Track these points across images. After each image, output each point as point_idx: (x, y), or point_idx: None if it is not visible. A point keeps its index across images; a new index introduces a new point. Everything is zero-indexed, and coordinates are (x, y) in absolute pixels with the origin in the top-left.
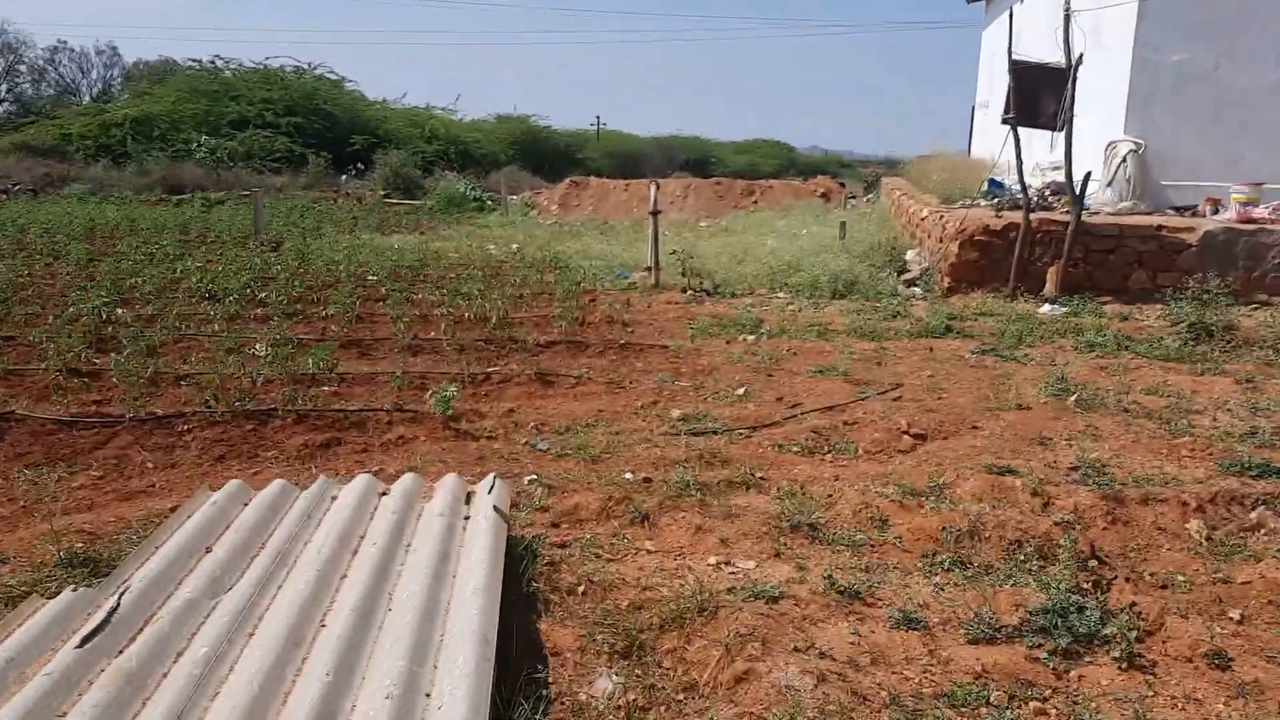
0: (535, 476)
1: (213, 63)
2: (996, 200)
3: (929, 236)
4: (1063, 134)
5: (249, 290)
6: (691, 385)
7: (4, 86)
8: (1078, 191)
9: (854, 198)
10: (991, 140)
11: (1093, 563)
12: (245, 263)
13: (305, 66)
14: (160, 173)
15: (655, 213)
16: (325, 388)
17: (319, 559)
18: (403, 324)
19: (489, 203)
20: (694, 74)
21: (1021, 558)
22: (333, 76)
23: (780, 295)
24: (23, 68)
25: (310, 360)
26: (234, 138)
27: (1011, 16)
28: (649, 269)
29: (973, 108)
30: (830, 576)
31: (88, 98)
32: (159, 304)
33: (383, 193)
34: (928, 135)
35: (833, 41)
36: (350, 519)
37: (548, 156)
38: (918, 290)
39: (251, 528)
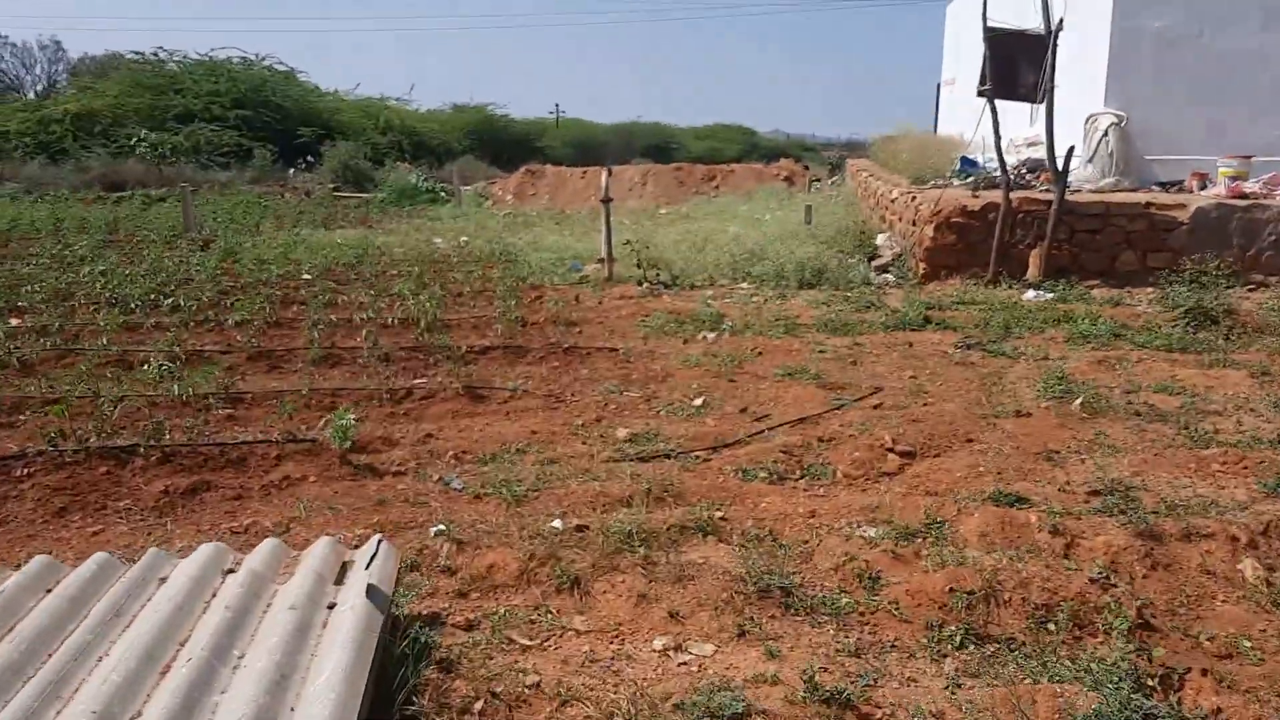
0: (443, 527)
1: (155, 55)
2: (970, 179)
3: (900, 219)
4: (1043, 107)
5: (155, 295)
6: (642, 396)
7: None
8: (1060, 168)
9: (818, 181)
10: (959, 118)
11: (1158, 651)
12: (161, 264)
13: (253, 58)
14: (100, 170)
15: (607, 200)
16: (216, 412)
17: (106, 688)
18: (319, 331)
19: (442, 194)
20: (652, 59)
21: (1053, 628)
22: (282, 68)
23: (743, 286)
24: None
25: (177, 386)
26: (179, 132)
27: None
28: (602, 260)
29: (938, 85)
30: (811, 677)
31: (31, 94)
32: (56, 313)
33: (331, 186)
34: (892, 116)
35: (792, 21)
36: (171, 617)
37: (506, 146)
38: (890, 277)
39: (37, 633)
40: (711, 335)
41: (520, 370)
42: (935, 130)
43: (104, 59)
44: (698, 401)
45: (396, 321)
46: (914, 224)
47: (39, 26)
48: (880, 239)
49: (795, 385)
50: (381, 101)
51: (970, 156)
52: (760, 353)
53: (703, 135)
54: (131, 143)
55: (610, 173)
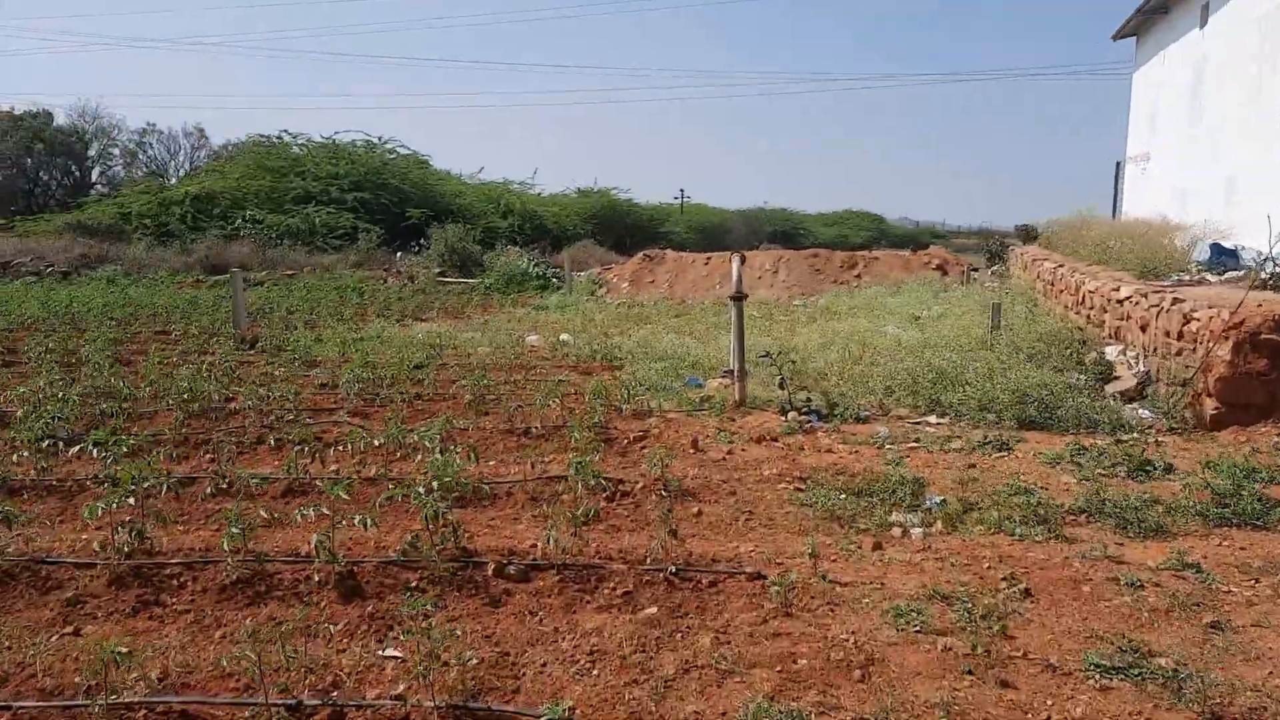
0: None
1: (279, 138)
2: (1226, 273)
3: (1142, 328)
4: None
5: (88, 426)
6: None
7: (97, 169)
8: None
9: (976, 270)
10: (1152, 199)
11: None
12: (116, 379)
13: (376, 141)
14: (203, 252)
15: (739, 297)
16: None
17: None
18: (239, 533)
19: (553, 280)
20: (777, 144)
21: None
22: (404, 150)
23: (932, 421)
24: (115, 150)
25: None
26: (295, 214)
27: None
28: (729, 373)
29: (1118, 164)
30: None
31: (174, 179)
32: None
33: (437, 271)
34: (1026, 203)
35: (918, 103)
36: None
37: (629, 230)
38: (1148, 414)
39: None
40: (917, 529)
41: (584, 629)
42: (1114, 214)
43: (244, 144)
44: None
45: (397, 499)
46: (1177, 337)
47: (187, 115)
48: (1112, 353)
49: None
50: (504, 185)
51: (1225, 244)
52: (1027, 589)
53: (830, 221)
54: (235, 224)
55: (743, 260)
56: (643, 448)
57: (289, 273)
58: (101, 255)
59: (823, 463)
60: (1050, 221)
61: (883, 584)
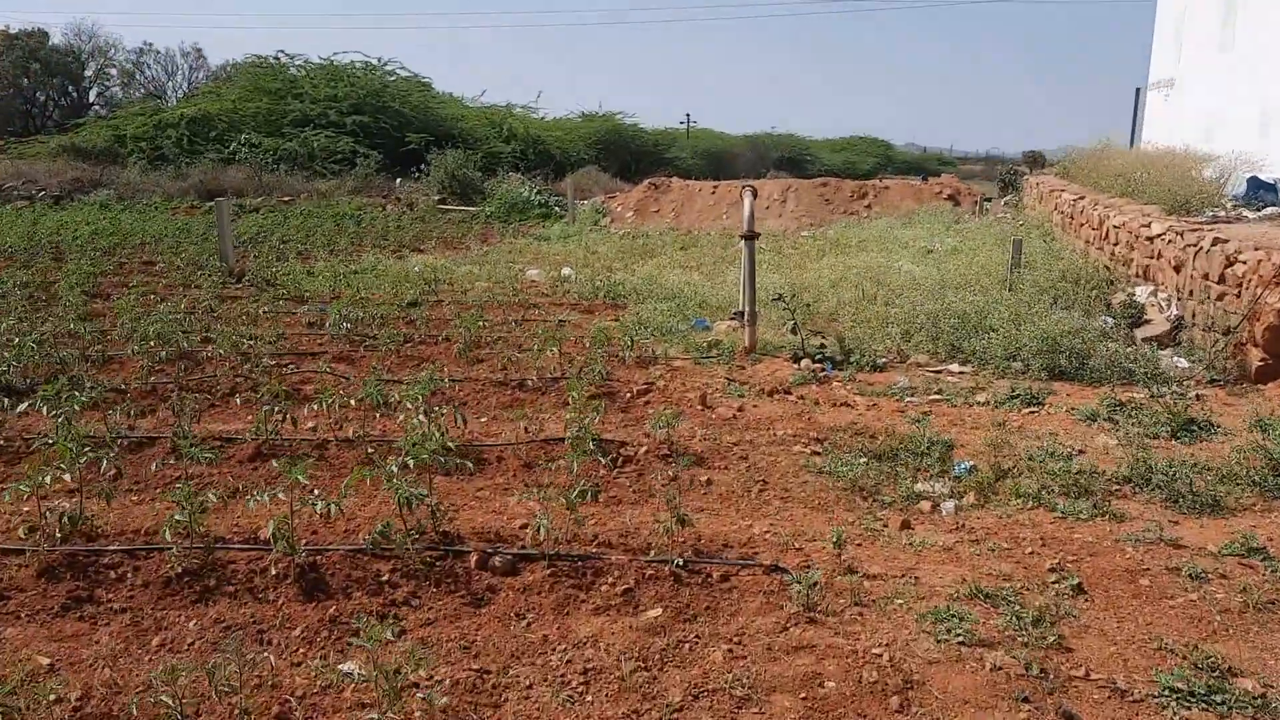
0: None
1: (276, 59)
2: (1264, 209)
3: (1176, 268)
4: None
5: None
6: None
7: (94, 90)
8: None
9: (989, 201)
10: (1179, 128)
11: None
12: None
13: (376, 62)
14: (198, 177)
15: (751, 236)
16: None
17: None
18: (185, 519)
19: (556, 209)
20: (785, 67)
21: None
22: (405, 73)
23: (954, 369)
24: (113, 71)
25: None
26: (293, 138)
27: None
28: (738, 315)
29: (1138, 90)
30: None
31: (173, 100)
32: None
33: (437, 198)
34: (1033, 129)
35: (929, 22)
36: None
37: (635, 156)
38: (1183, 363)
39: None
40: (947, 502)
41: (578, 638)
42: (1132, 143)
43: (241, 66)
44: None
45: (368, 478)
46: (1217, 280)
47: (183, 35)
48: (1141, 293)
49: None
50: (507, 109)
51: (1263, 178)
52: (1079, 584)
53: (838, 147)
54: (231, 148)
55: (754, 194)
56: (646, 402)
57: (285, 199)
58: (95, 179)
59: (840, 421)
60: (1067, 149)
61: (916, 578)
